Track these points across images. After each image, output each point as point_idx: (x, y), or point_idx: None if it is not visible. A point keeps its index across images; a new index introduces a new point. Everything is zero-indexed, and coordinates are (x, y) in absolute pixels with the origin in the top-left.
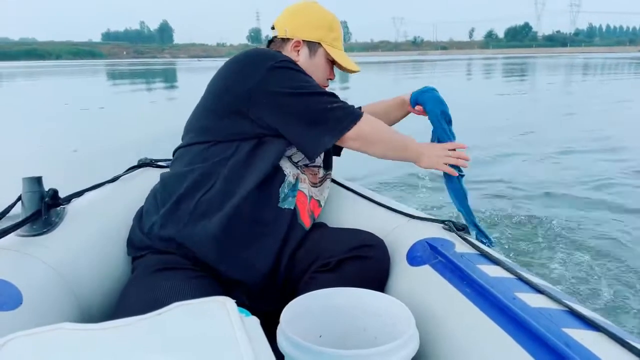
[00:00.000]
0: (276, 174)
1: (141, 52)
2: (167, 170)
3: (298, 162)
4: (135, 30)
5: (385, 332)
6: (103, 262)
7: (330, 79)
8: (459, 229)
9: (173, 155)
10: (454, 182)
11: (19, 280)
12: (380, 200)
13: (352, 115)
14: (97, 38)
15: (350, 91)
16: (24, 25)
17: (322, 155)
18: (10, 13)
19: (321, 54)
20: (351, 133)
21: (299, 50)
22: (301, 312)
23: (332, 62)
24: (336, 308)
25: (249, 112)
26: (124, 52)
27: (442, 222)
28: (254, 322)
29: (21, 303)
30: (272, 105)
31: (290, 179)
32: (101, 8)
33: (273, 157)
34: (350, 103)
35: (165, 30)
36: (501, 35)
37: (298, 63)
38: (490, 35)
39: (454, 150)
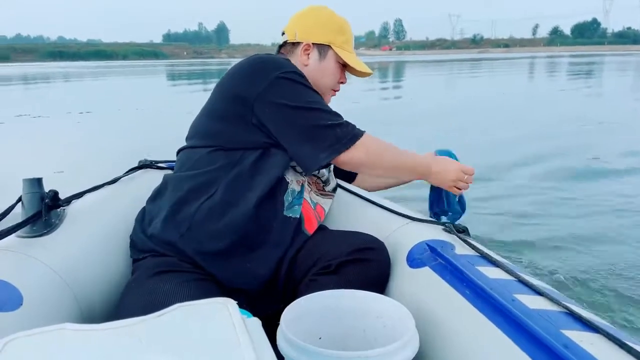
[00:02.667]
0: (279, 182)
1: (200, 52)
2: (170, 171)
3: (302, 172)
4: (194, 32)
5: (385, 334)
6: (103, 264)
7: (342, 83)
8: (459, 231)
9: (177, 155)
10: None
11: (20, 281)
12: (380, 202)
13: (351, 134)
14: (157, 39)
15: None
16: (90, 27)
17: (330, 174)
18: (79, 15)
19: (331, 57)
20: (349, 153)
21: (308, 54)
22: (301, 313)
23: (344, 66)
24: (336, 310)
25: (252, 119)
26: (184, 53)
27: (442, 223)
28: (255, 323)
29: (21, 304)
30: (273, 116)
31: (294, 186)
32: (161, 10)
33: (278, 169)
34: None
35: (222, 31)
36: (567, 31)
37: (308, 67)
38: (555, 32)
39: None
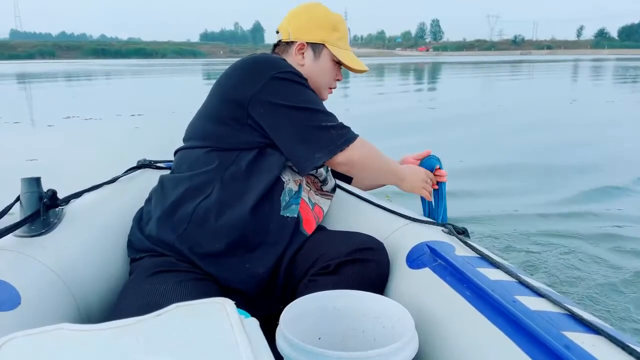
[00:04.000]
0: (276, 182)
1: (236, 51)
2: (167, 172)
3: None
4: (230, 31)
5: (384, 335)
6: (101, 263)
7: (338, 80)
8: (459, 232)
9: (174, 156)
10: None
11: (18, 280)
12: (380, 203)
13: (346, 136)
14: (194, 38)
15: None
16: (131, 26)
17: (328, 173)
18: (120, 15)
19: (326, 55)
20: (343, 154)
21: (303, 53)
22: (300, 314)
23: (339, 63)
24: (335, 310)
25: (247, 119)
26: (221, 52)
27: (442, 224)
28: (253, 323)
29: (19, 304)
30: (269, 115)
31: (291, 186)
32: (199, 10)
33: (274, 169)
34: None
35: (257, 31)
36: (612, 34)
37: (303, 66)
38: (601, 34)
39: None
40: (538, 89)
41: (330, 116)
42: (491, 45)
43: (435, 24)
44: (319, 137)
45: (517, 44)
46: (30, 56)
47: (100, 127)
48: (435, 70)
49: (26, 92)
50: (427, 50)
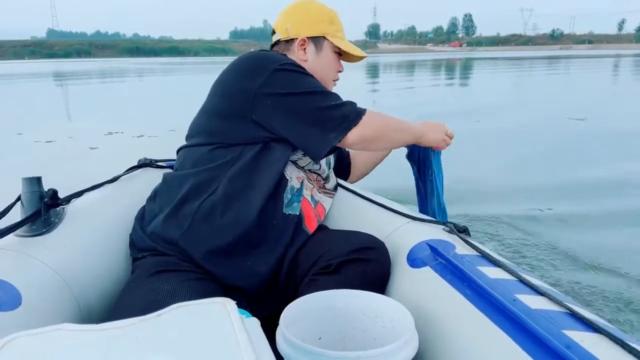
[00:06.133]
0: (279, 179)
1: (266, 49)
2: (169, 170)
3: (304, 167)
4: (259, 28)
5: (384, 334)
6: (103, 263)
7: (340, 72)
8: (459, 230)
9: (177, 154)
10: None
11: (19, 280)
12: (380, 202)
13: (356, 112)
14: (224, 36)
15: None
16: (162, 25)
17: (330, 171)
18: (152, 13)
19: (327, 47)
20: (357, 130)
21: (305, 49)
22: (301, 313)
23: (338, 54)
24: (336, 310)
25: (252, 115)
26: (251, 49)
27: (443, 223)
28: (254, 323)
29: (20, 303)
30: (276, 107)
31: (293, 183)
32: (228, 7)
33: (278, 164)
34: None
35: None
36: None
37: (307, 61)
38: None
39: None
40: None
41: (336, 96)
42: (528, 39)
43: (468, 18)
44: (330, 117)
45: (555, 38)
46: (67, 55)
47: (157, 153)
48: (497, 66)
49: (63, 95)
50: (461, 46)
